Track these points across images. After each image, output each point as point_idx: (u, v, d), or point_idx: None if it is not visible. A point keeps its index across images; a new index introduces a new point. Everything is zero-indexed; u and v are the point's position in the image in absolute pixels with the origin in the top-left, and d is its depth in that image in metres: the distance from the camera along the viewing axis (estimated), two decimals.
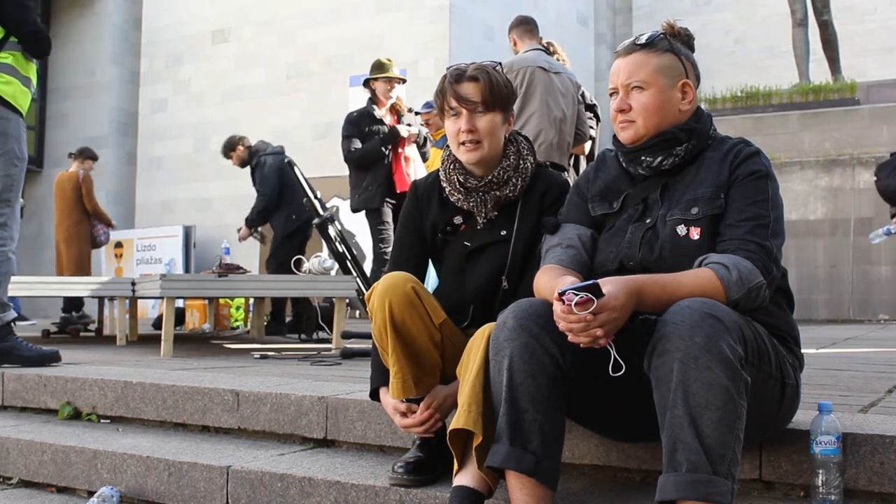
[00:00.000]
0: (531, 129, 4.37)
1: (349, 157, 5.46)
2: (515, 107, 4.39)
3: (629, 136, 1.88)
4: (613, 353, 1.60)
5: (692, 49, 1.94)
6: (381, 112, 5.52)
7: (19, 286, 6.20)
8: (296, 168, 5.09)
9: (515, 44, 4.80)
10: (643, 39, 1.88)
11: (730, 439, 1.50)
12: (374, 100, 5.56)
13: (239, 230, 7.08)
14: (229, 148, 7.00)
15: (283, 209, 6.73)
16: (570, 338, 1.60)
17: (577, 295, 1.55)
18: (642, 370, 1.63)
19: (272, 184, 6.65)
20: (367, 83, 5.60)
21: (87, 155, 7.84)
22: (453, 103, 2.09)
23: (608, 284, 1.59)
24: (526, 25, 4.81)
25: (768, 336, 1.73)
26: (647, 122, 1.85)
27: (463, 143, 2.08)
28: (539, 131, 4.38)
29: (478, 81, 2.09)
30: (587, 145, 5.29)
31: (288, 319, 6.91)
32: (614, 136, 1.95)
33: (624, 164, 1.95)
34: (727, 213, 1.78)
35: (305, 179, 5.28)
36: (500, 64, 2.20)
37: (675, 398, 1.52)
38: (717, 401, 1.50)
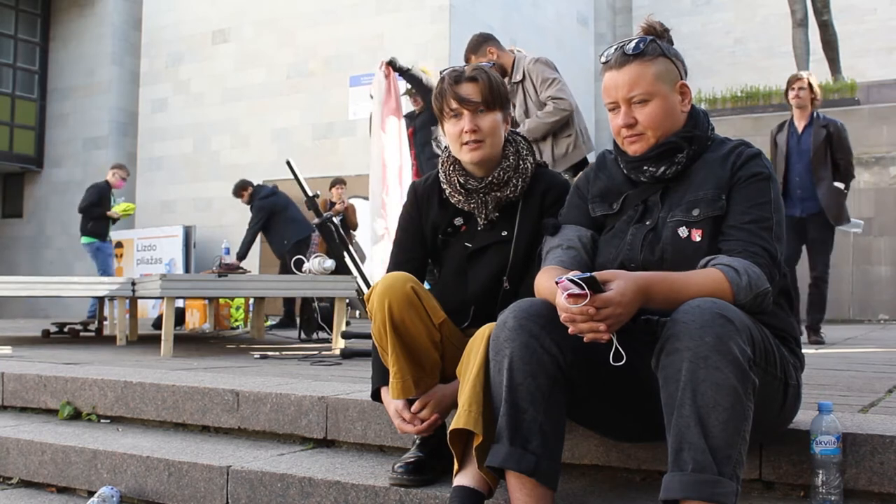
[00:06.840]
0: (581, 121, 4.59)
1: None
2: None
3: (639, 148, 1.85)
4: (615, 342, 1.59)
5: (672, 42, 1.92)
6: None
7: (19, 286, 6.20)
8: (293, 167, 5.09)
9: (497, 56, 4.63)
10: (632, 48, 1.83)
11: (736, 440, 1.50)
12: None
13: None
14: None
15: (274, 237, 8.18)
16: (572, 329, 1.58)
17: (574, 284, 1.53)
18: (642, 369, 1.63)
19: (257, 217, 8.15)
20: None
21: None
22: (454, 105, 2.09)
23: (618, 279, 1.58)
24: (494, 38, 4.71)
25: (773, 337, 1.72)
26: (656, 133, 1.83)
27: (466, 144, 2.08)
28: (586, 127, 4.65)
29: (477, 82, 2.09)
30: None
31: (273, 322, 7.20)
32: (615, 142, 1.94)
33: (625, 171, 1.94)
34: (729, 214, 1.77)
35: (302, 179, 5.27)
36: (493, 65, 2.21)
37: (682, 397, 1.51)
38: (725, 401, 1.49)
